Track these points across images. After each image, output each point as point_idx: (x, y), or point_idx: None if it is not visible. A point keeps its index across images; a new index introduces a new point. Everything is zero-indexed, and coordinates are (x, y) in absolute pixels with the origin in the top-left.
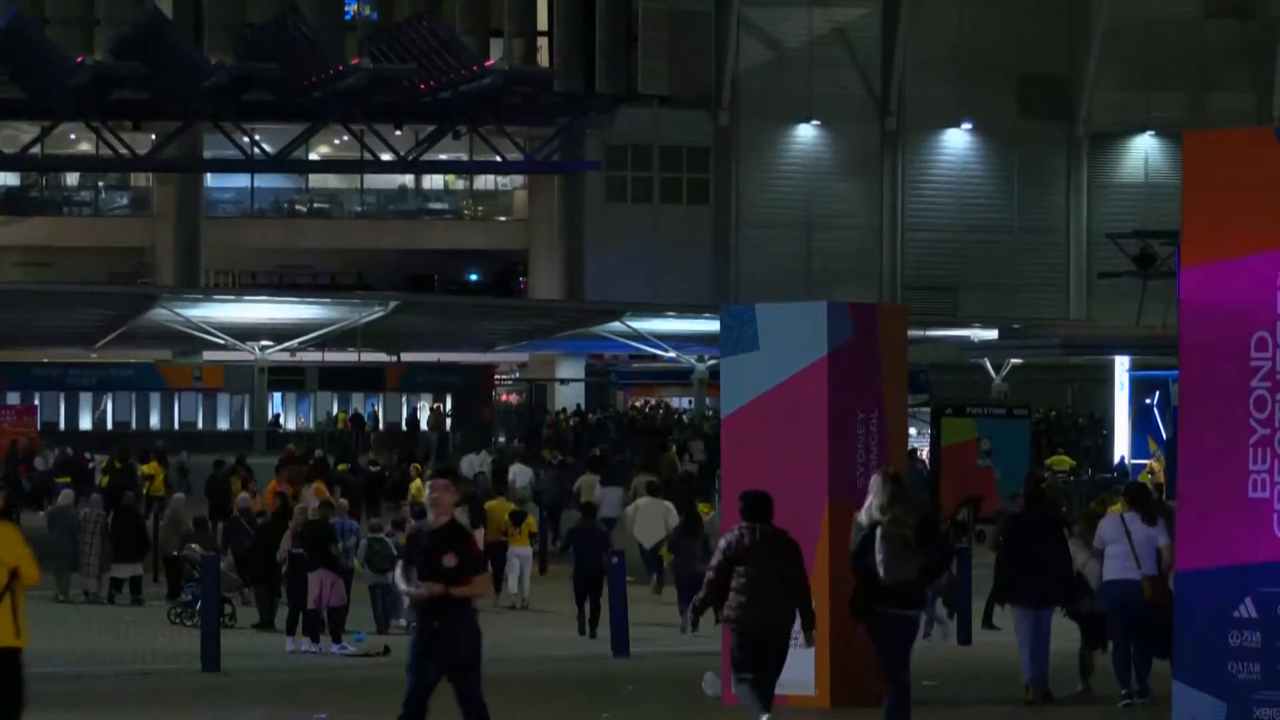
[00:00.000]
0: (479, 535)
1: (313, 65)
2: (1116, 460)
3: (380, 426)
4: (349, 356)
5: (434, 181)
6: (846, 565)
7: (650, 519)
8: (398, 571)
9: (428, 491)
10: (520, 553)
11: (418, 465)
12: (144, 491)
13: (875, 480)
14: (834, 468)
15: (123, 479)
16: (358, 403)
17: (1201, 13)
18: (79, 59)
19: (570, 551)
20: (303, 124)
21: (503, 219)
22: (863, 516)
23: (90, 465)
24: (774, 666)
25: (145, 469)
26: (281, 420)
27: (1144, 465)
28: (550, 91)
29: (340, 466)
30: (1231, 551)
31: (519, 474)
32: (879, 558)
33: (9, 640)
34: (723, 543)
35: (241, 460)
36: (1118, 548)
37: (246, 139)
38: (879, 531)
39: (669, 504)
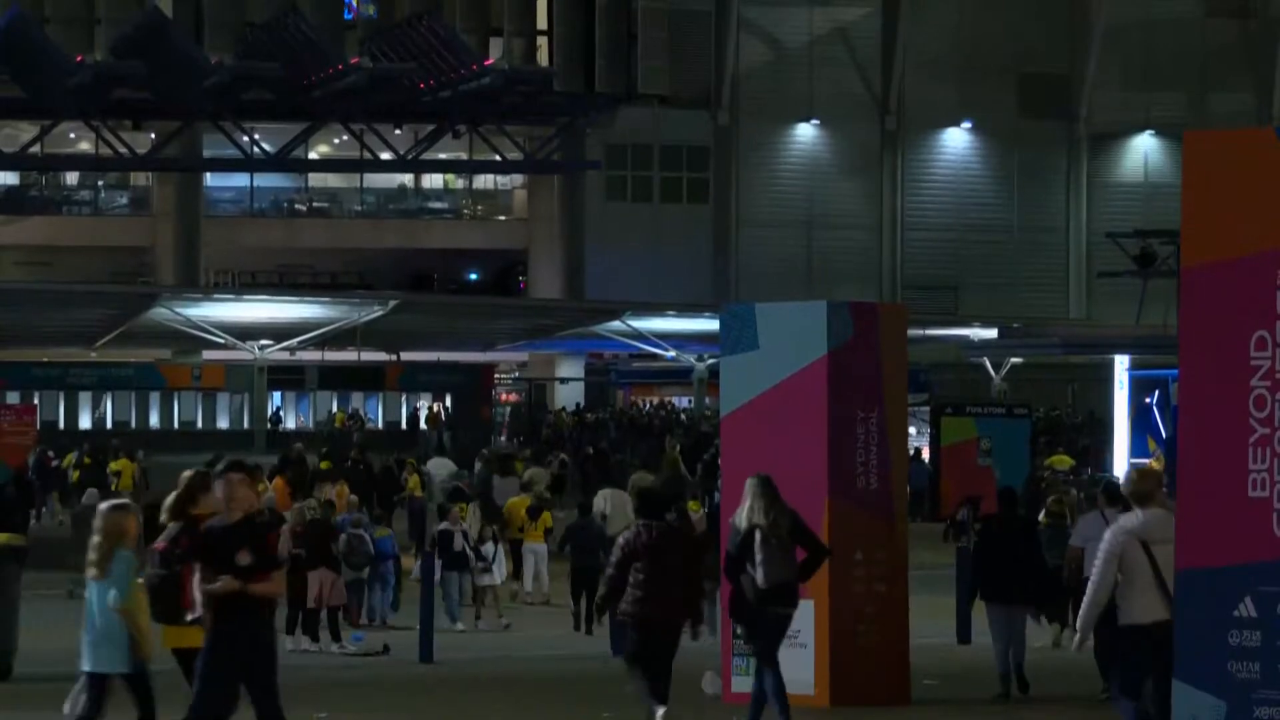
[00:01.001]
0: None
1: (313, 64)
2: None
3: (364, 425)
4: (349, 356)
5: (434, 181)
6: (847, 564)
7: (617, 510)
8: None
9: (220, 487)
10: (536, 548)
11: (413, 462)
12: (112, 488)
13: (751, 484)
14: (834, 467)
15: (92, 476)
16: (357, 402)
17: (1202, 13)
18: (79, 58)
19: (566, 550)
20: (302, 123)
21: (502, 218)
22: (741, 521)
23: (54, 464)
24: (666, 659)
25: (114, 466)
26: (282, 419)
27: (1144, 464)
28: (550, 91)
29: (323, 465)
30: (1231, 551)
31: (438, 466)
32: (758, 559)
33: None
34: (621, 540)
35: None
36: (1099, 545)
37: (246, 138)
38: (757, 535)
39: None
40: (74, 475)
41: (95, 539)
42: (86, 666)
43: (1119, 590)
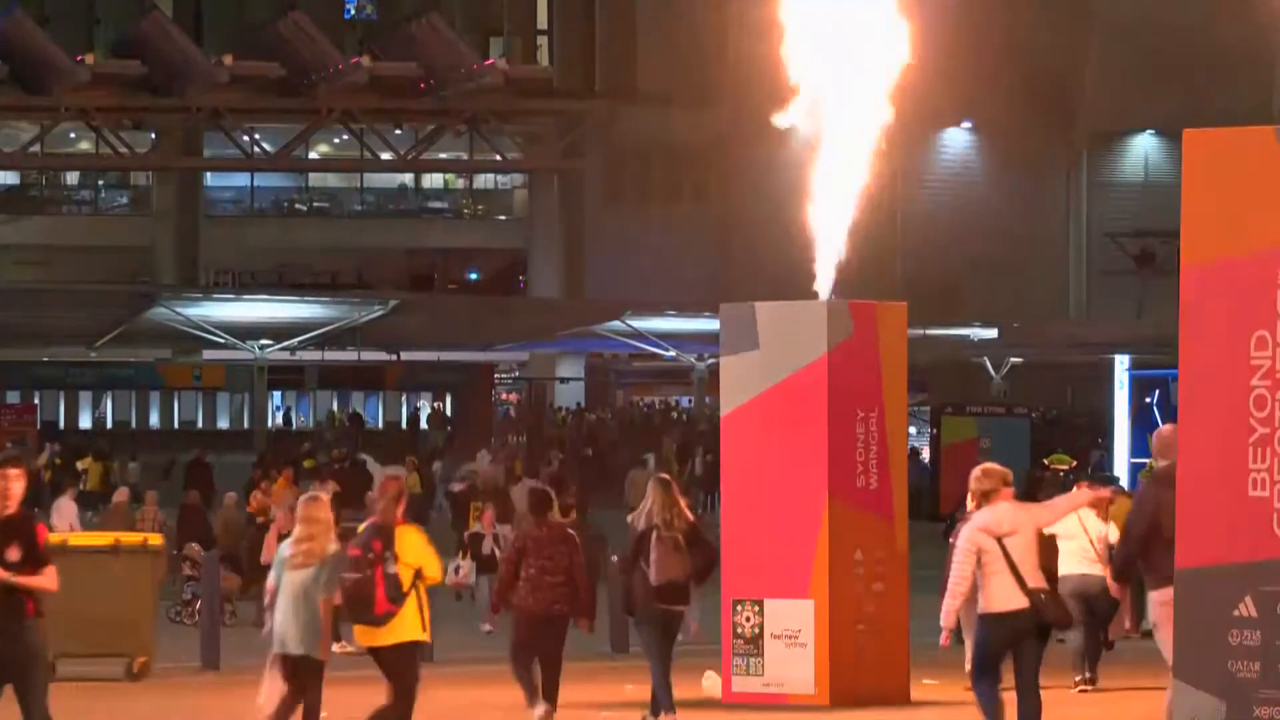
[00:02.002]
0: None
1: (313, 64)
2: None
3: (364, 425)
4: (349, 355)
5: (434, 180)
6: (846, 564)
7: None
8: None
9: None
10: None
11: (414, 460)
12: (81, 487)
13: (651, 486)
14: (834, 466)
15: (63, 476)
16: (357, 402)
17: (1202, 11)
18: (79, 58)
19: None
20: (302, 122)
21: (503, 218)
22: (640, 521)
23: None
24: (552, 652)
25: (82, 464)
26: (291, 419)
27: (1144, 463)
28: (550, 90)
29: (306, 463)
30: (1231, 550)
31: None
32: (652, 557)
33: (416, 634)
34: (514, 536)
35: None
36: (1076, 544)
37: (246, 138)
38: (655, 535)
39: None
40: (46, 474)
41: (301, 529)
42: (280, 649)
43: (980, 583)
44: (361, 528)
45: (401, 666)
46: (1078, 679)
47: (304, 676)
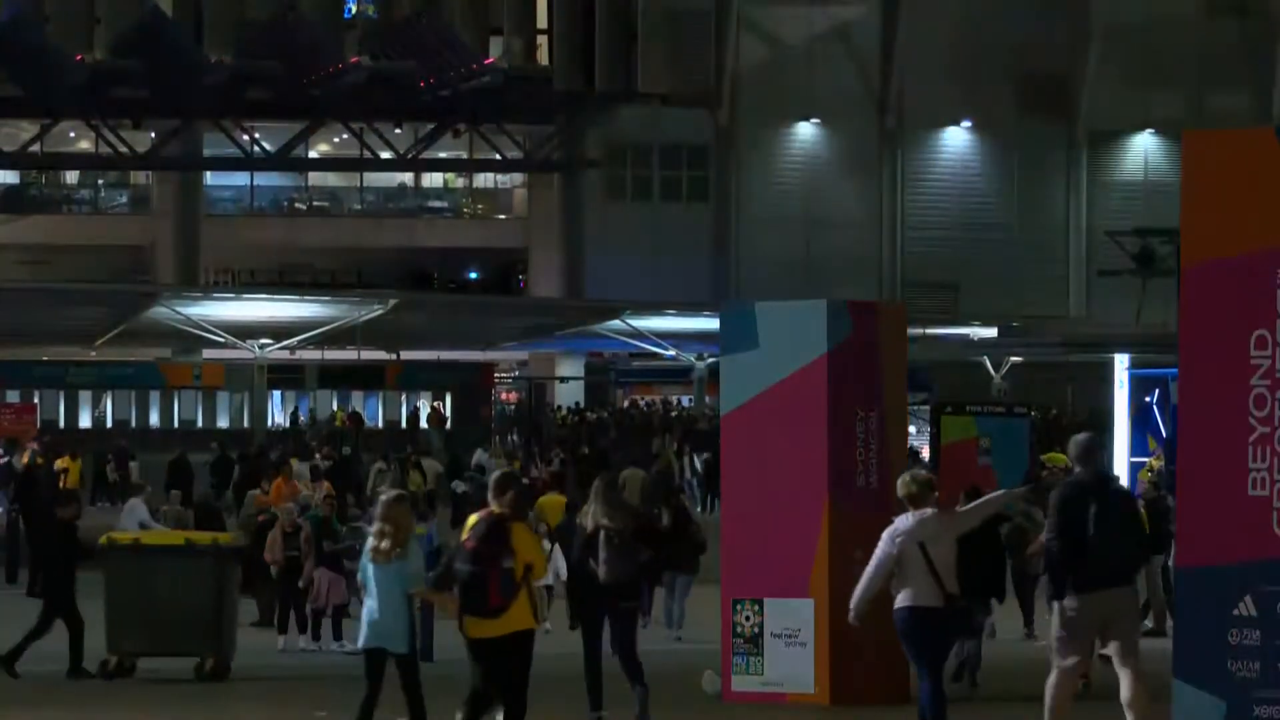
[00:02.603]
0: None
1: (312, 63)
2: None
3: (347, 422)
4: (349, 355)
5: (433, 179)
6: (846, 563)
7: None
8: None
9: None
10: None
11: (413, 459)
12: (60, 485)
13: (596, 487)
14: (834, 466)
15: (40, 474)
16: (357, 401)
17: (1202, 12)
18: (79, 57)
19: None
20: (302, 122)
21: (502, 217)
22: (587, 521)
23: (5, 460)
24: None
25: (60, 464)
26: (301, 419)
27: (1144, 463)
28: (550, 90)
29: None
30: (1231, 549)
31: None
32: (601, 557)
33: (526, 624)
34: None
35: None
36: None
37: (246, 137)
38: (602, 535)
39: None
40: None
41: (381, 526)
42: (364, 644)
43: (896, 581)
44: (472, 522)
45: (512, 656)
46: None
47: (399, 671)
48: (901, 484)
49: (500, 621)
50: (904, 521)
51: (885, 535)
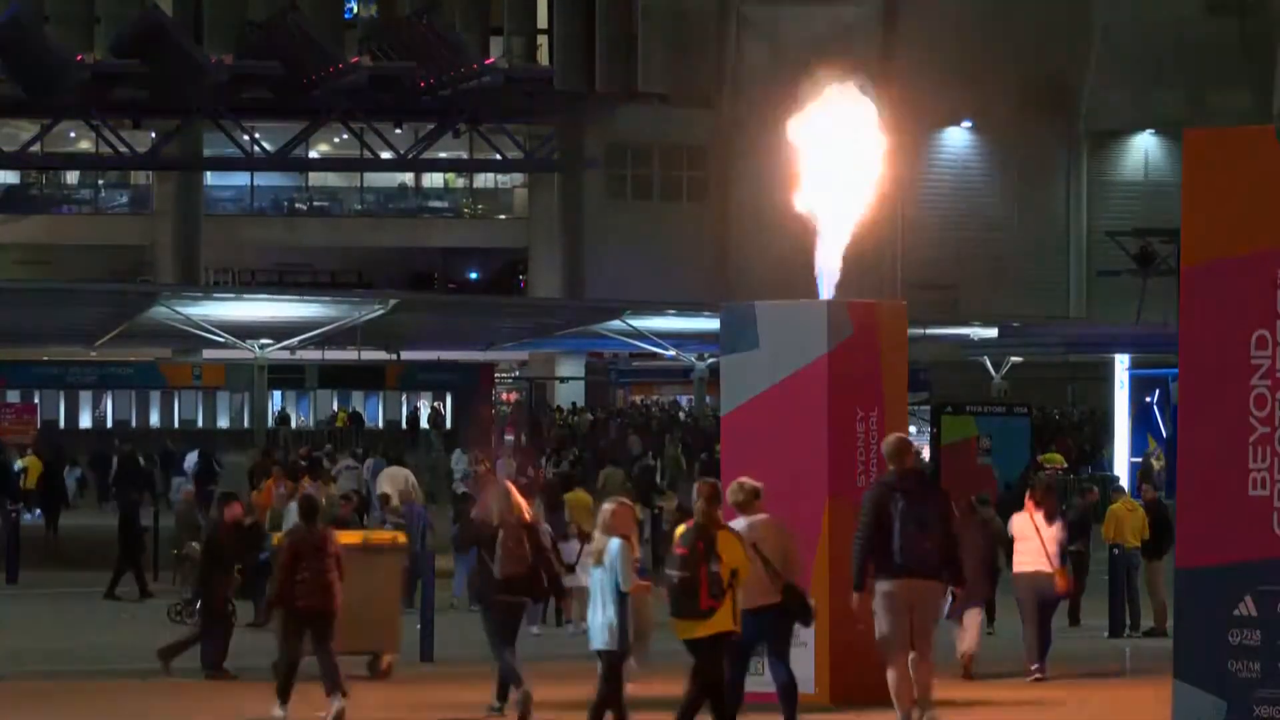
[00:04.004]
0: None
1: (313, 63)
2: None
3: (303, 423)
4: (349, 355)
5: (434, 179)
6: (847, 563)
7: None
8: None
9: None
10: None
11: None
12: (21, 485)
13: (500, 488)
14: (834, 466)
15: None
16: (357, 401)
17: (1201, 12)
18: (79, 57)
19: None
20: (303, 122)
21: (503, 217)
22: (493, 518)
23: None
24: (322, 644)
25: (22, 462)
26: (291, 419)
27: (745, 480)
28: (550, 90)
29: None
30: (1231, 549)
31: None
32: (498, 554)
33: (728, 626)
34: (287, 541)
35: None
36: (1029, 544)
37: (246, 137)
38: (500, 532)
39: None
40: None
41: (599, 531)
42: (598, 645)
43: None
44: (681, 531)
45: (715, 655)
46: (1033, 668)
47: (607, 668)
48: (731, 492)
49: (710, 622)
50: (736, 526)
51: None
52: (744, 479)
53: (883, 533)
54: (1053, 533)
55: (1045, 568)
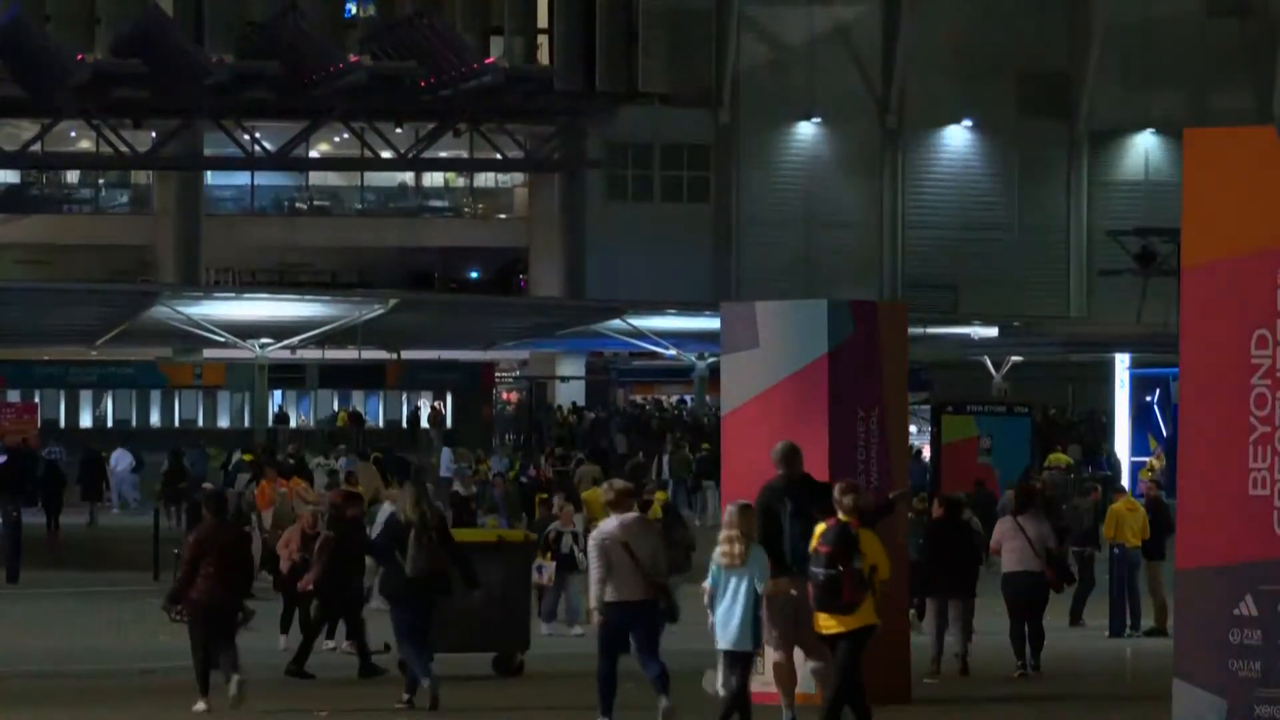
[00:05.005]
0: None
1: (313, 63)
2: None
3: (304, 422)
4: (349, 354)
5: (434, 179)
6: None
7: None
8: None
9: None
10: None
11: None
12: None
13: (407, 486)
14: (834, 466)
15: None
16: (358, 400)
17: (1202, 11)
18: (79, 57)
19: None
20: (303, 121)
21: (503, 217)
22: (400, 515)
23: None
24: (222, 640)
25: None
26: (291, 419)
27: (1144, 462)
28: (551, 89)
29: (245, 457)
30: (1232, 549)
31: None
32: (410, 552)
33: (871, 620)
34: (191, 538)
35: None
36: (1015, 543)
37: (247, 136)
38: (412, 530)
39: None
40: None
41: (730, 533)
42: (725, 645)
43: (605, 576)
44: (822, 529)
45: (856, 649)
46: (1019, 664)
47: (740, 666)
48: (603, 491)
49: (853, 617)
50: (608, 525)
51: (592, 540)
52: (615, 479)
53: (772, 535)
54: (1039, 532)
55: (1033, 567)
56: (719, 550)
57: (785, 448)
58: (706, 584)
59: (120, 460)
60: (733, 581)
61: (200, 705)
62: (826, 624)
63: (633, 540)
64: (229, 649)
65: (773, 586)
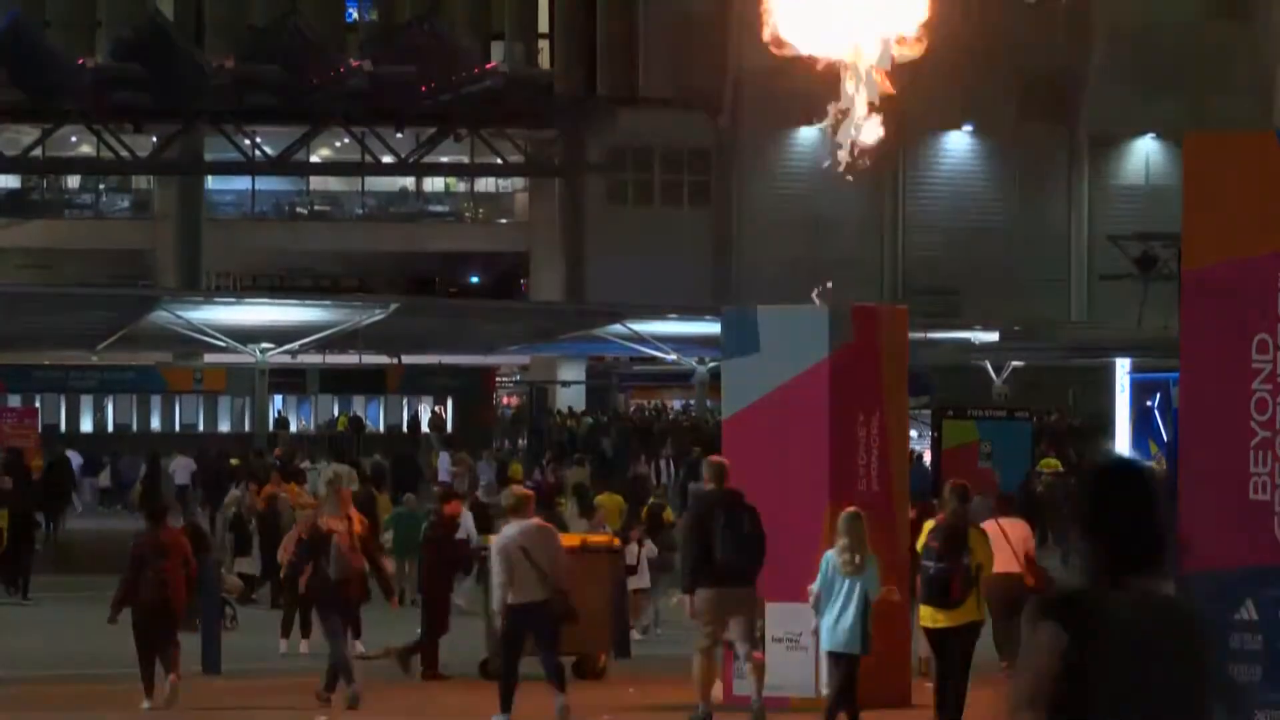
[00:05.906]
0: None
1: (314, 67)
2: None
3: (304, 427)
4: (350, 359)
5: (435, 184)
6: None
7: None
8: None
9: None
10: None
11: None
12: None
13: (329, 493)
14: (835, 469)
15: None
16: (358, 405)
17: (1202, 15)
18: (80, 61)
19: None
20: (304, 126)
21: (504, 221)
22: (321, 523)
23: None
24: (162, 641)
25: None
26: (291, 424)
27: (518, 487)
28: (551, 94)
29: (233, 462)
30: (1232, 554)
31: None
32: (333, 556)
33: (976, 616)
34: (133, 542)
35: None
36: (998, 544)
37: (247, 141)
38: (334, 538)
39: None
40: None
41: (845, 542)
42: (834, 647)
43: (507, 580)
44: (930, 526)
45: (966, 643)
46: (1004, 664)
47: (847, 668)
48: (503, 498)
49: (959, 612)
50: (509, 530)
51: (494, 545)
52: (515, 486)
53: (704, 545)
54: (1019, 534)
55: (1014, 569)
56: (839, 559)
57: (718, 464)
58: (814, 587)
59: (180, 468)
60: (845, 586)
61: (145, 704)
62: (932, 618)
63: (531, 546)
64: (169, 650)
65: (887, 594)
